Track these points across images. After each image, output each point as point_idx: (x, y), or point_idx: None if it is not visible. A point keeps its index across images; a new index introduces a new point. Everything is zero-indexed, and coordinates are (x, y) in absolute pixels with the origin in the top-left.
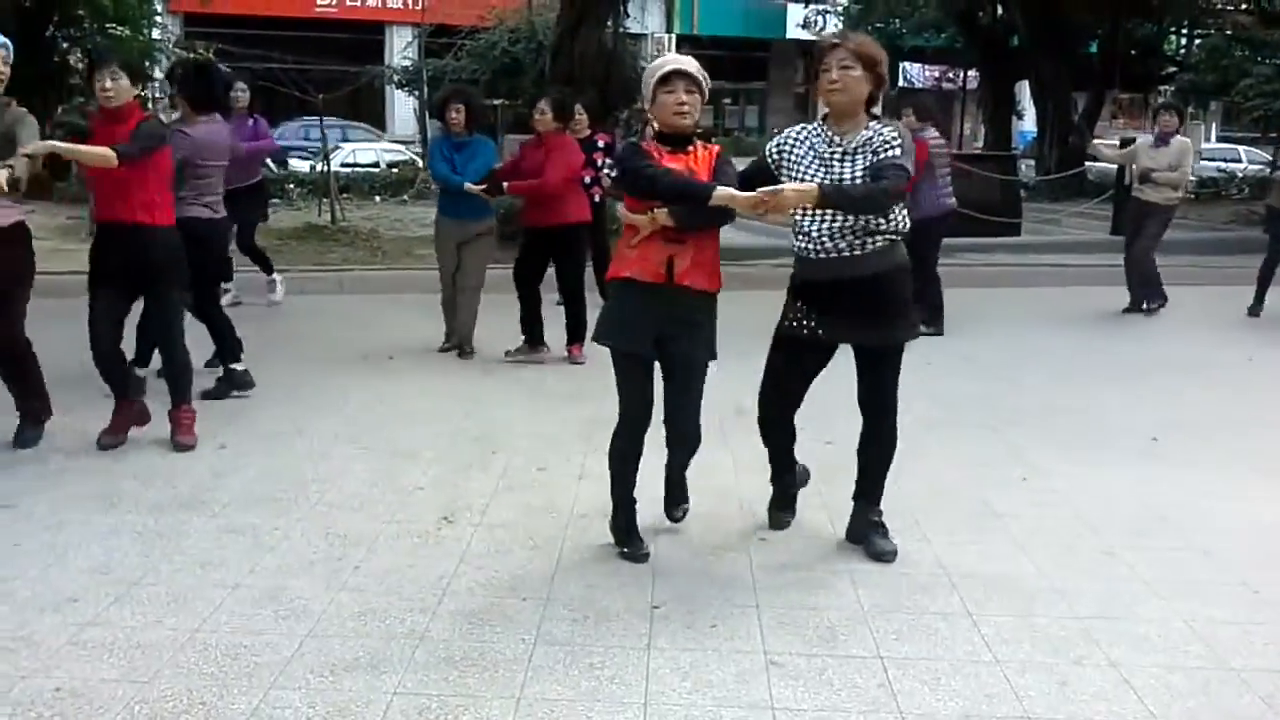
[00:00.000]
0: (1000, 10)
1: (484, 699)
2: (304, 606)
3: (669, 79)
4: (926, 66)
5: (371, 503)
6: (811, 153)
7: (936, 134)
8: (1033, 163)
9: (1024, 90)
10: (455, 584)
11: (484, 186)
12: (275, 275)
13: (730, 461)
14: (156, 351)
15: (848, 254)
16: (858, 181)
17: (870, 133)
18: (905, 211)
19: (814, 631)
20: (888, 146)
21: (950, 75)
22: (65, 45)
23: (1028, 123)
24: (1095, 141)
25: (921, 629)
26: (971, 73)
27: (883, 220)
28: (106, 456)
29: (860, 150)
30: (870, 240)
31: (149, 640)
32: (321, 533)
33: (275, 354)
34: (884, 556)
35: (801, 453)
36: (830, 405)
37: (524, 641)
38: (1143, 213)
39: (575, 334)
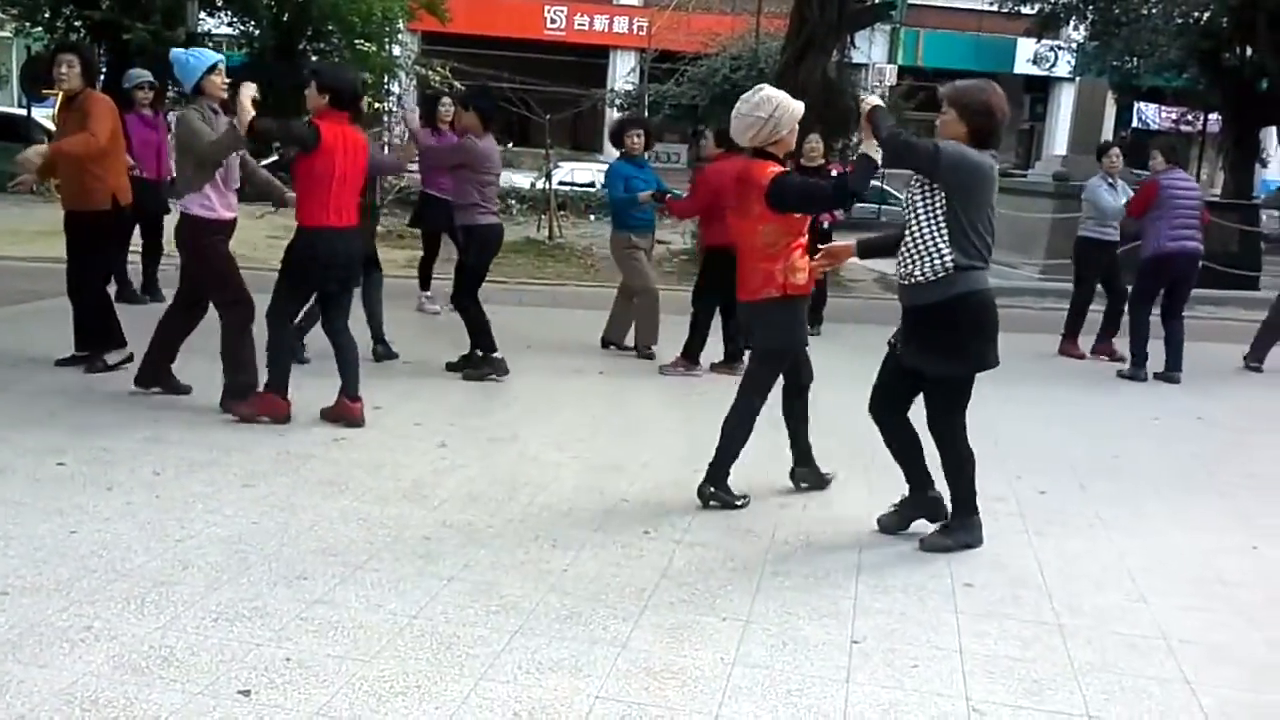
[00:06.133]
0: (1249, 51)
1: (682, 712)
2: (514, 604)
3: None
4: (1164, 108)
5: (578, 509)
6: None
7: (1184, 176)
8: (1275, 213)
9: (1270, 137)
10: (656, 597)
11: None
12: None
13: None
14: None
15: (905, 283)
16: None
17: None
18: (943, 256)
19: (1019, 683)
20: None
21: (1189, 118)
22: (314, 59)
23: (1272, 171)
24: None
25: (1135, 692)
26: (1212, 116)
27: (913, 259)
28: (336, 447)
29: None
30: (909, 276)
31: (370, 622)
32: (531, 534)
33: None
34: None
35: (1011, 500)
36: (1036, 454)
37: (723, 661)
38: None
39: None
